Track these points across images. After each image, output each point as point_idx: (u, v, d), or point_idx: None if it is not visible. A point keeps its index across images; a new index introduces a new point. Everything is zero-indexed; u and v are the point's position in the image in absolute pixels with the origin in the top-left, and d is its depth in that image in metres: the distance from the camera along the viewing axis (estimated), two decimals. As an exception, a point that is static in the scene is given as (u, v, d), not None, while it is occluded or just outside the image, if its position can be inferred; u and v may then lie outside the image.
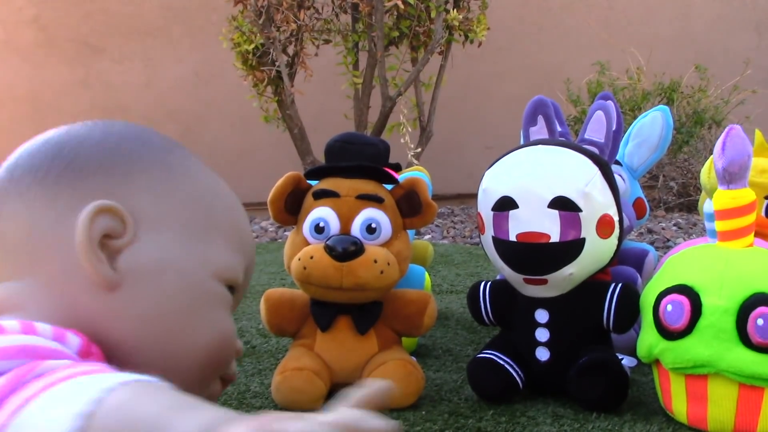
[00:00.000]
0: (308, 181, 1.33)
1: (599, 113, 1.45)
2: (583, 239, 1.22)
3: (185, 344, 0.52)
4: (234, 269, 0.57)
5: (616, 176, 1.34)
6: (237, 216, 0.60)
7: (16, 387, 0.40)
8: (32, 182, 0.52)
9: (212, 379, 0.58)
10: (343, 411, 0.36)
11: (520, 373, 1.27)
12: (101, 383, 0.39)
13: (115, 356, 0.49)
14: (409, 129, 3.26)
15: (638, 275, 1.52)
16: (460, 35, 3.24)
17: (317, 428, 0.34)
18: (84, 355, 0.47)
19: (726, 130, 1.15)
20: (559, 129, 1.50)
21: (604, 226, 1.23)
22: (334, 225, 1.27)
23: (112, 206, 0.51)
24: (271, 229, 3.40)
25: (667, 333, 1.13)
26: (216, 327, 0.54)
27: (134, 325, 0.50)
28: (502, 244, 1.26)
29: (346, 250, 1.23)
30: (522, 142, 1.44)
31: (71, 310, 0.49)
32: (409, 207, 1.32)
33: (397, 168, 1.57)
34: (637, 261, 1.60)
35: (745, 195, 1.14)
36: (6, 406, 0.40)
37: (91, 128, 0.56)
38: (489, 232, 1.28)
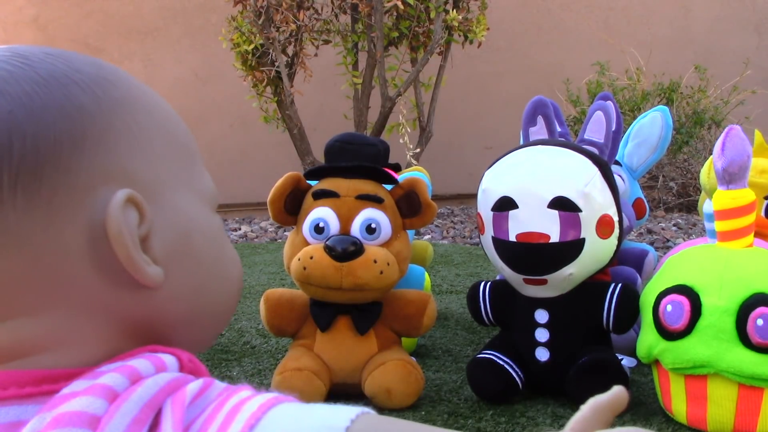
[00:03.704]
0: (308, 181, 1.34)
1: (599, 113, 1.45)
2: (583, 239, 1.22)
3: (224, 290, 0.49)
4: (215, 190, 0.50)
5: (616, 176, 1.34)
6: (184, 127, 0.50)
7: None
8: None
9: None
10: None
11: (519, 373, 1.27)
12: (339, 412, 0.38)
13: (173, 335, 0.45)
14: (409, 129, 3.26)
15: (638, 275, 1.52)
16: (460, 35, 3.24)
17: None
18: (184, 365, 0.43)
19: (725, 130, 1.15)
20: (558, 129, 1.50)
21: (603, 226, 1.23)
22: (333, 225, 1.27)
23: (130, 194, 0.41)
24: (271, 229, 3.40)
25: (667, 333, 1.13)
26: (233, 257, 0.50)
27: (185, 302, 0.45)
28: (501, 245, 1.26)
29: (345, 250, 1.23)
30: (522, 142, 1.44)
31: (124, 326, 0.43)
32: (409, 207, 1.31)
33: (397, 168, 1.57)
34: (637, 261, 1.61)
35: (744, 195, 1.14)
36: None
37: (20, 99, 0.41)
38: (489, 232, 1.28)
